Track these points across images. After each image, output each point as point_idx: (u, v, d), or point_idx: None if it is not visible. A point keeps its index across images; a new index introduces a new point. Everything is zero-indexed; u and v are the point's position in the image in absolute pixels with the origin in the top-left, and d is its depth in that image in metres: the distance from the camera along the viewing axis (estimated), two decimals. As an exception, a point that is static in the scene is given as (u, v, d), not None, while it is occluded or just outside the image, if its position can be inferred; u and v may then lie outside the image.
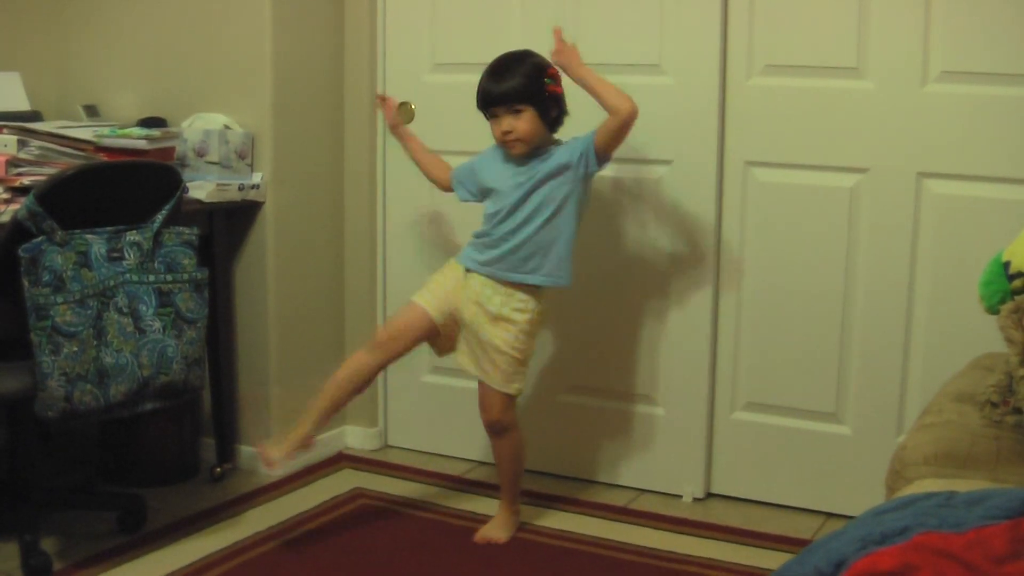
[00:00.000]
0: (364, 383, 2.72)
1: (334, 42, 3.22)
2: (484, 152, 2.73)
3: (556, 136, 2.65)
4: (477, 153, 2.75)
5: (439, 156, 2.87)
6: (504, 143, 2.59)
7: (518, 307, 2.62)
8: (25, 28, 3.26)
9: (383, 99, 2.93)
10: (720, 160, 2.87)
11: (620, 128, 2.53)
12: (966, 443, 1.76)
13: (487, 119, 2.62)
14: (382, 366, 2.73)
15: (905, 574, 1.14)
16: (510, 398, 2.68)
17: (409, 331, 2.68)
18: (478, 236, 2.68)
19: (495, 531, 2.74)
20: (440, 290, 2.68)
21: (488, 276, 2.63)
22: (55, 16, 3.32)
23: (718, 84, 2.82)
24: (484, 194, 2.69)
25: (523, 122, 2.55)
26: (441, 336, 2.71)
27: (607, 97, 2.50)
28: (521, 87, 2.54)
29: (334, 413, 2.78)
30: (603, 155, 2.58)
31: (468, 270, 2.67)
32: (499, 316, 2.61)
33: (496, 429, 2.71)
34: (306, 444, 2.72)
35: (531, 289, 2.63)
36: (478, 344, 2.65)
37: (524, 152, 2.59)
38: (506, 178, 2.62)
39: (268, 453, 2.68)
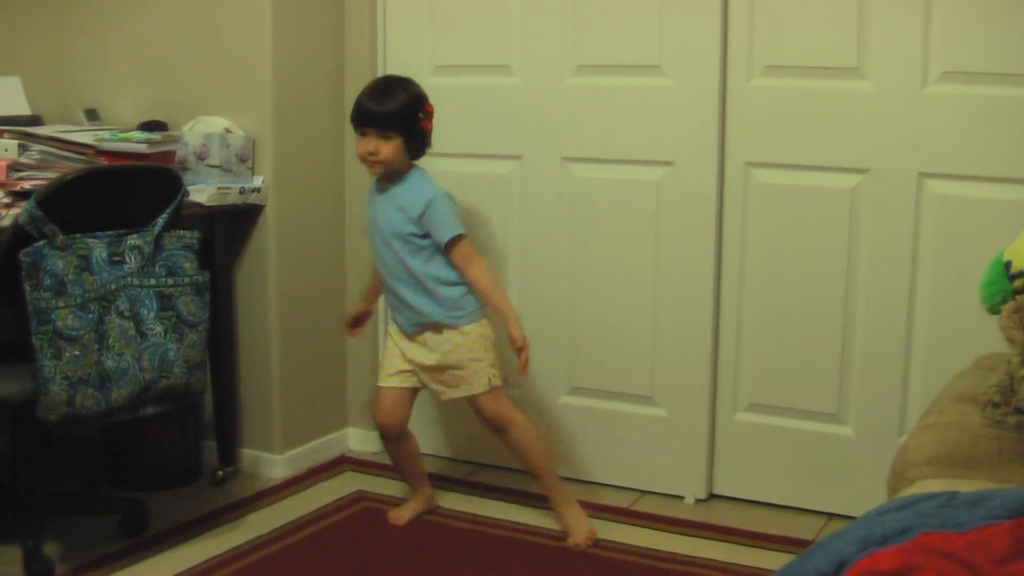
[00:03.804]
0: (407, 455, 2.87)
1: (335, 45, 3.22)
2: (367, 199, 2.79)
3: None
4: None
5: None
6: (364, 161, 2.66)
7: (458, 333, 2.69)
8: (26, 32, 3.27)
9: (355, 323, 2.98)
10: (721, 161, 2.87)
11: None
12: (968, 443, 1.76)
13: (356, 133, 2.69)
14: (398, 441, 2.82)
15: (906, 575, 1.14)
16: (496, 391, 2.72)
17: (396, 408, 2.77)
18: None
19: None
20: (390, 359, 2.77)
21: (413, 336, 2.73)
22: (56, 20, 3.32)
23: (718, 85, 2.82)
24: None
25: (389, 148, 2.63)
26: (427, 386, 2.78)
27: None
28: (397, 115, 2.62)
29: (417, 471, 2.92)
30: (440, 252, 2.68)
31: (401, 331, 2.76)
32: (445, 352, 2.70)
33: (497, 426, 2.75)
34: (430, 505, 2.92)
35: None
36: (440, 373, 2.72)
37: (381, 173, 2.67)
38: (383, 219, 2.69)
39: (398, 514, 2.86)
